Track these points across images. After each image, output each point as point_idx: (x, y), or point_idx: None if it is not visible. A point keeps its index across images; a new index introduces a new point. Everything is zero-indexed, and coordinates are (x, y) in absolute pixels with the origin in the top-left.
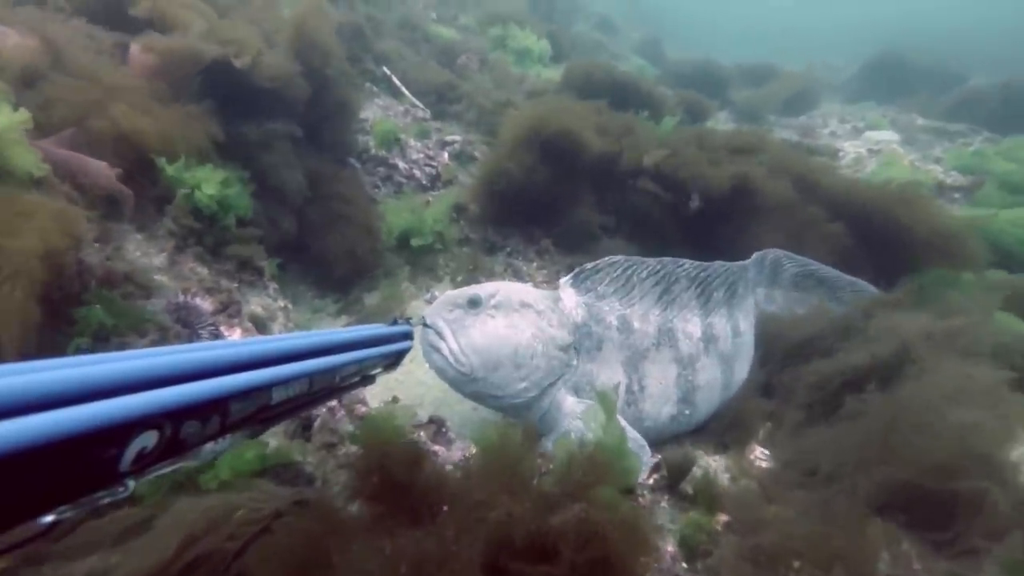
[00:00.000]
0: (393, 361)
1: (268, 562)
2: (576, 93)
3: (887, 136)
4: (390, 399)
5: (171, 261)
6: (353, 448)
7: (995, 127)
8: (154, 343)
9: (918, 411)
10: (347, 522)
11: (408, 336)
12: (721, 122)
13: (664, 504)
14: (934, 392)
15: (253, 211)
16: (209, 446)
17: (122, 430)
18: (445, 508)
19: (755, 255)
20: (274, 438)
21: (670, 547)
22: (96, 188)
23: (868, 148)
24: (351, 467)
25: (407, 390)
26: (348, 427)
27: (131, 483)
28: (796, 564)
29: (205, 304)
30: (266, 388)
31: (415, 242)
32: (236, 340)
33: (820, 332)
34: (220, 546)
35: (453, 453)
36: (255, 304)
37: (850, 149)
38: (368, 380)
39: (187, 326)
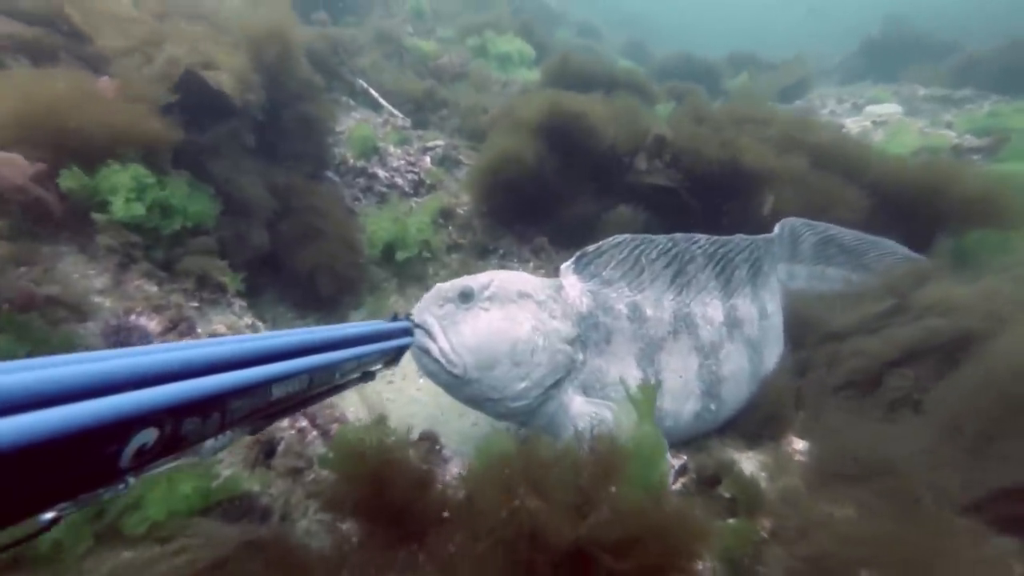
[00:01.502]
0: (393, 357)
1: None
2: (557, 87)
3: (890, 109)
4: (377, 417)
5: (115, 281)
6: (324, 472)
7: (1001, 90)
8: None
9: None
10: (311, 561)
11: (408, 332)
12: None
13: (697, 511)
14: None
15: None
16: (209, 443)
17: (122, 427)
18: (446, 515)
19: (776, 227)
20: (229, 467)
21: (707, 562)
22: (9, 189)
23: (872, 121)
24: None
25: (398, 408)
26: (319, 450)
27: (131, 480)
28: (864, 574)
29: (151, 324)
30: (266, 385)
31: (400, 255)
32: (236, 337)
33: (863, 319)
34: None
35: (449, 471)
36: (218, 323)
37: (852, 125)
38: (368, 376)
39: None
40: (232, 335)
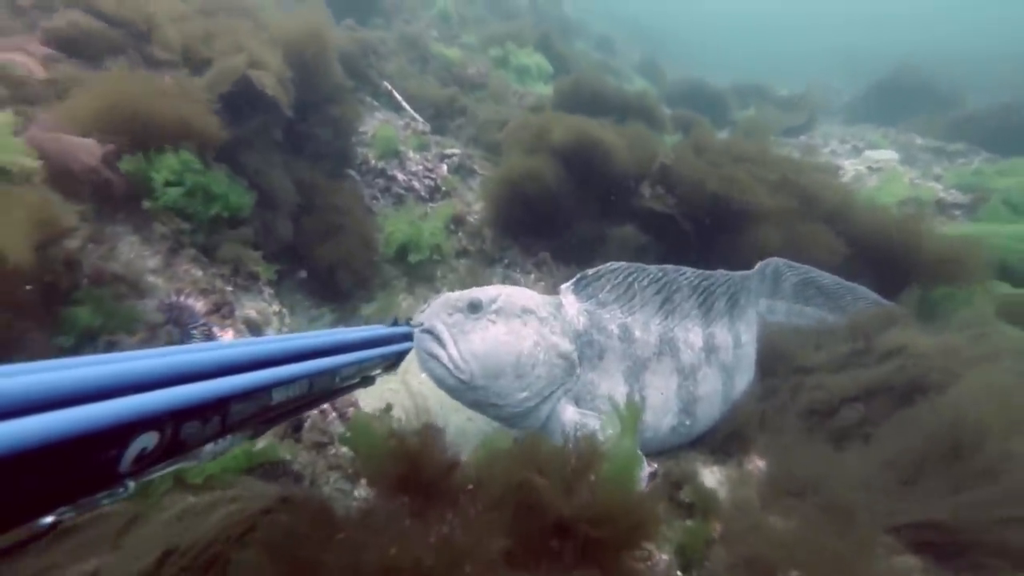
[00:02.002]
0: (393, 362)
1: (254, 561)
2: (567, 107)
3: (887, 155)
4: (384, 407)
5: (166, 263)
6: (344, 449)
7: (994, 148)
8: (143, 342)
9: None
10: (341, 519)
11: (408, 337)
12: None
13: (659, 511)
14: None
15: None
16: (209, 447)
17: (122, 431)
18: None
19: (758, 265)
20: (263, 437)
21: (665, 555)
22: (85, 170)
23: (868, 166)
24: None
25: (402, 400)
26: (339, 428)
27: (131, 484)
28: (794, 573)
29: (198, 305)
30: (266, 389)
31: (412, 258)
32: (236, 341)
33: (830, 356)
34: (203, 549)
35: None
36: (250, 308)
37: (850, 167)
38: (368, 381)
39: (178, 325)
40: (262, 320)
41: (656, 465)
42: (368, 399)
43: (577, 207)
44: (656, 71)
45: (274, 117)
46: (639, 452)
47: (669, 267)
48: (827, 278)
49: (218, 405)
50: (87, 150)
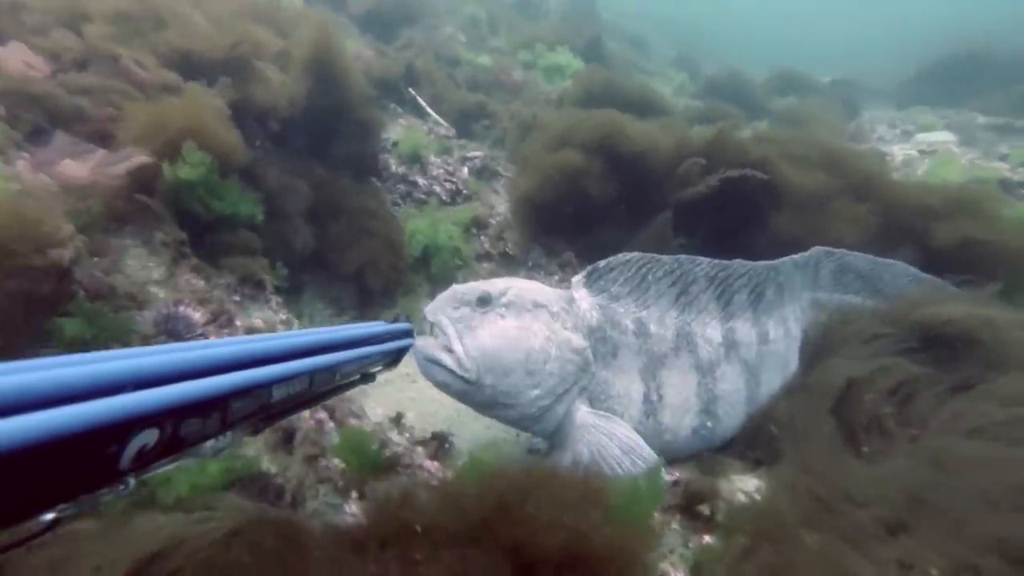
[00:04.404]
0: (394, 359)
1: None
2: (586, 102)
3: (941, 137)
4: (394, 415)
5: (169, 273)
6: (336, 461)
7: None
8: None
9: None
10: (310, 539)
11: (408, 333)
12: None
13: (675, 526)
14: None
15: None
16: (210, 443)
17: (122, 428)
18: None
19: (796, 257)
20: (252, 449)
21: (679, 574)
22: (87, 183)
23: (919, 150)
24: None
25: (419, 407)
26: (335, 439)
27: (131, 481)
28: None
29: (196, 315)
30: (267, 386)
31: (435, 267)
32: (237, 338)
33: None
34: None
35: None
36: (256, 317)
37: (899, 152)
38: (368, 378)
39: (175, 336)
40: (267, 329)
41: (677, 474)
42: (384, 407)
43: (616, 203)
44: (692, 65)
45: (273, 112)
46: (652, 455)
47: (684, 257)
48: (861, 259)
49: (218, 402)
50: (73, 164)
